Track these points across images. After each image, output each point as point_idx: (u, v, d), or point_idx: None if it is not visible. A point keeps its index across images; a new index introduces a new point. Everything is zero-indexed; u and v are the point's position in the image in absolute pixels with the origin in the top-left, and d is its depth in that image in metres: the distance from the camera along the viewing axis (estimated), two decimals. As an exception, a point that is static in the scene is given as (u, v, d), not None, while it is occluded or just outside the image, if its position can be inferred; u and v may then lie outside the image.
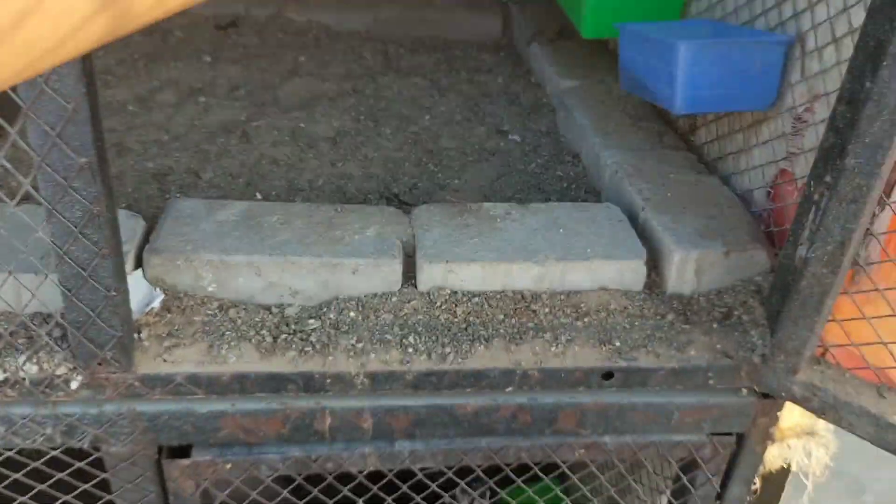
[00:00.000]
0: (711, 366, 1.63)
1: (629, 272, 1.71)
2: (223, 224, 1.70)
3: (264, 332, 1.57)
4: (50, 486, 1.65)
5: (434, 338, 1.59)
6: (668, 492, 1.91)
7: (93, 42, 0.35)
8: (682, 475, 1.81)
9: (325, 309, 1.64)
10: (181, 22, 3.08)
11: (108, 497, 1.65)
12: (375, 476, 1.72)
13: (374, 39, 3.17)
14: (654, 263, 1.76)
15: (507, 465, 1.72)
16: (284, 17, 3.20)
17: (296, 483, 1.75)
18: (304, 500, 1.82)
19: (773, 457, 1.77)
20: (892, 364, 1.45)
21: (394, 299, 1.65)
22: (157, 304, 1.59)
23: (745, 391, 1.70)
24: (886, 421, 1.41)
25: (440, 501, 1.93)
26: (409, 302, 1.65)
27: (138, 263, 1.61)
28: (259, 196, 2.07)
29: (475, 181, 2.23)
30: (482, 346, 1.60)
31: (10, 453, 1.55)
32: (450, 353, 1.58)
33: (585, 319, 1.67)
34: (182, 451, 1.62)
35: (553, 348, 1.61)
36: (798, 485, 1.86)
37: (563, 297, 1.70)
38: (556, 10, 2.65)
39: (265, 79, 2.72)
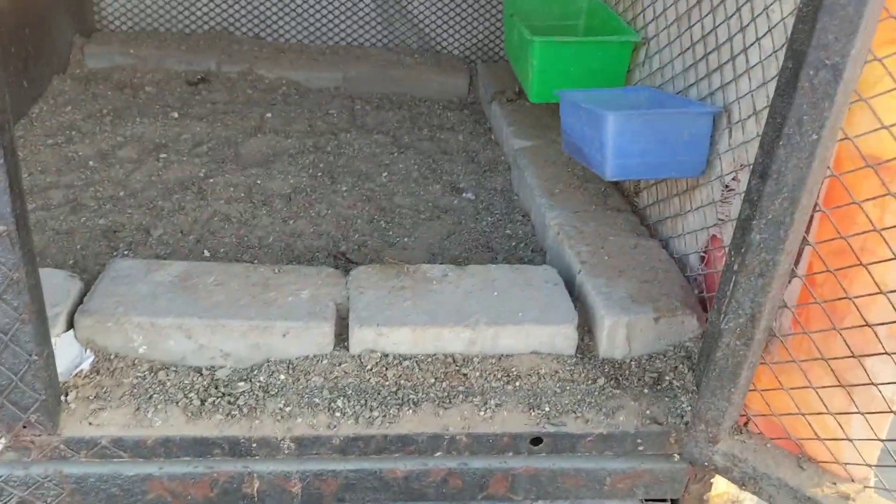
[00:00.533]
0: (640, 432, 1.63)
1: (561, 337, 1.73)
2: (159, 285, 1.72)
3: (192, 394, 1.58)
4: (-26, 549, 1.63)
5: (363, 401, 1.60)
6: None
7: None
8: (617, 541, 1.79)
9: (255, 371, 1.65)
10: (153, 77, 3.14)
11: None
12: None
13: (342, 96, 3.23)
14: (588, 327, 1.78)
15: (438, 530, 1.71)
16: (256, 73, 3.27)
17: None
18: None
19: (708, 523, 1.75)
20: (811, 435, 1.45)
21: (324, 362, 1.66)
22: (86, 365, 1.60)
23: (677, 457, 1.70)
24: (805, 494, 1.41)
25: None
26: (339, 365, 1.66)
27: (70, 325, 1.63)
28: (207, 253, 2.09)
29: (425, 239, 2.26)
30: (410, 411, 1.60)
31: (-69, 516, 1.54)
32: (378, 417, 1.58)
33: (516, 383, 1.68)
34: (108, 514, 1.61)
35: (482, 413, 1.62)
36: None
37: (494, 360, 1.71)
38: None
39: (229, 135, 2.77)
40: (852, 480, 1.45)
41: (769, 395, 1.50)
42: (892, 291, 1.27)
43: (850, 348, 1.35)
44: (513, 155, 2.63)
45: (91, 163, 2.50)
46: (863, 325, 1.32)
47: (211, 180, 2.46)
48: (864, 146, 1.31)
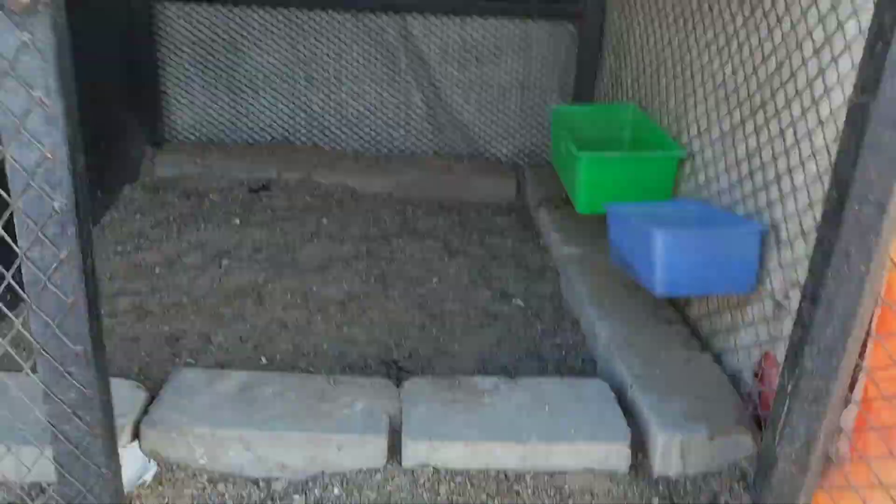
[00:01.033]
0: (696, 556, 1.60)
1: (614, 454, 1.72)
2: (220, 396, 1.78)
3: (249, 507, 1.61)
4: None
5: (415, 518, 1.60)
6: None
7: None
8: None
9: (310, 484, 1.68)
10: (218, 185, 3.32)
11: None
12: None
13: (394, 202, 3.36)
14: (641, 444, 1.77)
15: None
16: (314, 180, 3.42)
17: None
18: None
19: None
20: (876, 565, 1.40)
21: (378, 476, 1.68)
22: (149, 476, 1.65)
23: (737, 583, 1.65)
24: None
25: None
26: (392, 479, 1.68)
27: (135, 435, 1.69)
28: (264, 360, 2.16)
29: (475, 347, 2.29)
30: (463, 529, 1.60)
31: None
32: (430, 535, 1.59)
33: (569, 502, 1.67)
34: None
35: (534, 533, 1.61)
36: None
37: (546, 477, 1.71)
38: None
39: (287, 241, 2.90)
40: None
41: (830, 521, 1.46)
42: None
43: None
44: (561, 261, 2.67)
45: (157, 269, 2.63)
46: (925, 455, 1.29)
47: (269, 286, 2.56)
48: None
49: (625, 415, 1.80)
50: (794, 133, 1.72)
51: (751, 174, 1.94)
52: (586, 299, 2.34)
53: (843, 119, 1.24)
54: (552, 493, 1.67)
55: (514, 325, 2.43)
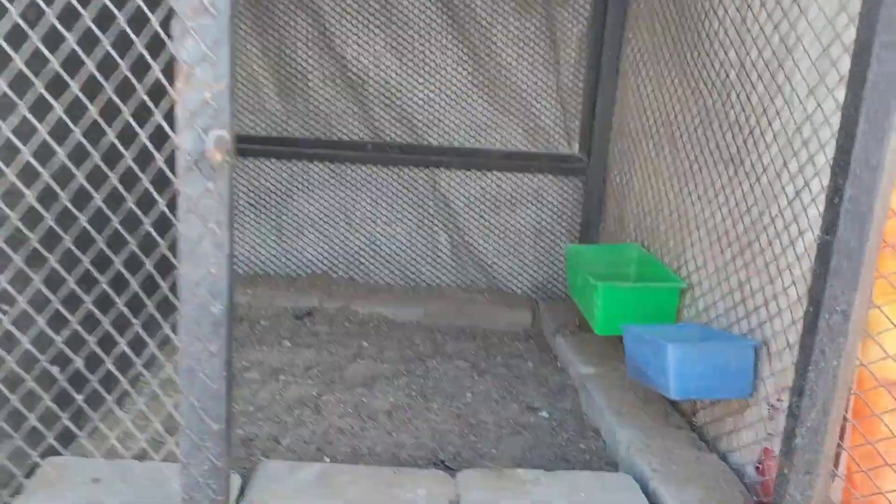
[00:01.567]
0: None
1: (642, 533, 2.01)
2: (302, 482, 2.08)
3: (332, 576, 1.88)
4: None
5: (474, 588, 1.87)
6: None
7: None
8: None
9: (383, 559, 1.95)
10: (267, 313, 3.71)
11: None
12: None
13: (424, 328, 3.74)
14: (664, 527, 2.06)
15: None
16: (351, 309, 3.82)
17: None
18: None
19: None
20: None
21: (441, 551, 1.96)
22: (246, 548, 1.92)
23: None
24: None
25: None
26: (454, 554, 1.96)
27: (235, 514, 1.98)
28: (327, 460, 2.46)
29: (509, 451, 2.60)
30: None
31: None
32: None
33: (605, 576, 1.94)
34: None
35: None
36: None
37: (585, 554, 1.99)
38: (577, 307, 3.21)
39: (334, 361, 3.25)
40: None
41: (829, 585, 1.74)
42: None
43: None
44: (580, 379, 3.03)
45: (222, 383, 2.96)
46: (898, 517, 1.62)
47: (323, 398, 2.88)
48: (877, 371, 1.71)
49: (649, 502, 2.10)
50: (777, 266, 2.16)
51: (743, 300, 2.35)
52: (606, 410, 2.68)
53: (814, 253, 1.68)
54: (591, 569, 1.95)
55: (541, 433, 2.75)
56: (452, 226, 4.16)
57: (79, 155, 1.69)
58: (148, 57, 1.57)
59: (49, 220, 1.72)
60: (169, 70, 1.53)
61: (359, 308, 3.83)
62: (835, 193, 1.61)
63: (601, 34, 3.77)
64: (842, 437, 1.72)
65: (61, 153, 1.67)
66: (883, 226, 1.57)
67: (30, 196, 1.71)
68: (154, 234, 1.71)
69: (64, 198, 1.70)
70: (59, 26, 1.55)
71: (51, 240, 1.78)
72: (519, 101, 4.02)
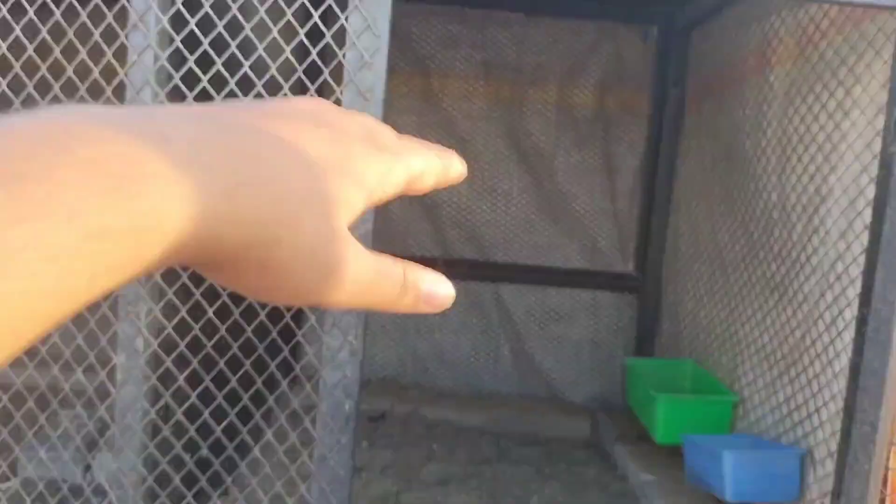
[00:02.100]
0: None
1: None
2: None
3: None
4: None
5: None
6: None
7: None
8: None
9: None
10: (345, 413, 4.05)
11: None
12: None
13: (488, 434, 4.02)
14: None
15: None
16: (420, 414, 4.14)
17: None
18: None
19: None
20: None
21: None
22: None
23: None
24: None
25: None
26: None
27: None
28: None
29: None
30: None
31: None
32: None
33: None
34: None
35: None
36: None
37: None
38: (635, 417, 3.48)
39: (409, 462, 3.55)
40: None
41: None
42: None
43: None
44: (640, 486, 3.26)
45: (311, 476, 3.28)
46: None
47: (403, 495, 3.17)
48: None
49: None
50: (818, 383, 2.44)
51: (790, 413, 2.62)
52: (665, 514, 2.91)
53: (848, 373, 1.98)
54: None
55: (605, 535, 2.98)
56: (514, 337, 4.50)
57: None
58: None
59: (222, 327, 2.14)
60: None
61: (427, 412, 4.14)
62: (861, 323, 1.93)
63: (654, 166, 4.21)
64: (881, 538, 1.96)
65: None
66: (905, 352, 1.87)
67: (210, 311, 2.14)
68: (282, 348, 2.10)
69: (236, 311, 2.12)
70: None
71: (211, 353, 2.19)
72: (578, 223, 4.43)
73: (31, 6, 1.90)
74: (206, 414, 2.09)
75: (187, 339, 2.05)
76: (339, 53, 1.86)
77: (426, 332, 4.54)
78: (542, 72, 4.33)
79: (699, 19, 3.80)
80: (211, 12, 1.90)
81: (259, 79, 1.96)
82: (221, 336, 2.13)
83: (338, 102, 1.91)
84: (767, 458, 2.44)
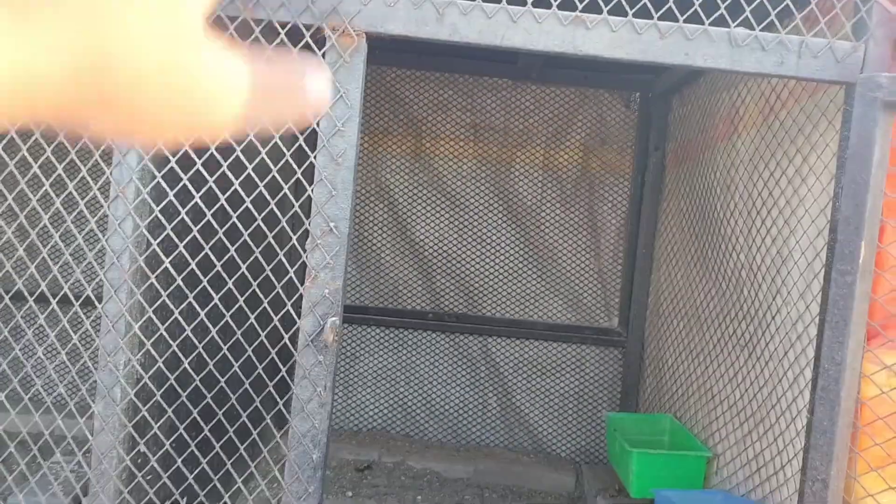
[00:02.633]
0: None
1: None
2: None
3: None
4: None
5: None
6: None
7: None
8: None
9: None
10: (331, 464, 4.09)
11: None
12: None
13: (473, 485, 4.05)
14: None
15: None
16: (406, 464, 4.17)
17: None
18: None
19: None
20: None
21: None
22: None
23: None
24: None
25: None
26: None
27: None
28: None
29: None
30: None
31: None
32: None
33: None
34: None
35: None
36: None
37: None
38: (615, 471, 3.51)
39: (391, 512, 3.58)
40: None
41: None
42: None
43: None
44: (617, 541, 3.29)
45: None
46: None
47: (382, 546, 3.20)
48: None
49: None
50: (783, 440, 2.50)
51: (758, 470, 2.67)
52: (640, 570, 2.93)
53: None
54: None
55: (580, 590, 3.00)
56: (501, 389, 4.56)
57: (226, 331, 2.22)
58: (286, 263, 2.13)
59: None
60: (300, 272, 2.07)
61: (413, 463, 4.18)
62: (814, 382, 2.01)
63: (637, 226, 4.32)
64: None
65: (213, 331, 2.20)
66: (851, 410, 1.95)
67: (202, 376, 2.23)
68: (273, 392, 2.19)
69: (210, 365, 2.22)
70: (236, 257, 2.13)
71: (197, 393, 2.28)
72: (563, 278, 4.53)
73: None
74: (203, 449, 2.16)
75: (165, 385, 2.14)
76: (313, 122, 1.99)
77: (416, 384, 4.60)
78: (529, 134, 4.49)
79: (676, 86, 3.97)
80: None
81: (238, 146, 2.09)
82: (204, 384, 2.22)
83: (311, 167, 2.04)
84: (733, 515, 2.49)
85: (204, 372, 2.21)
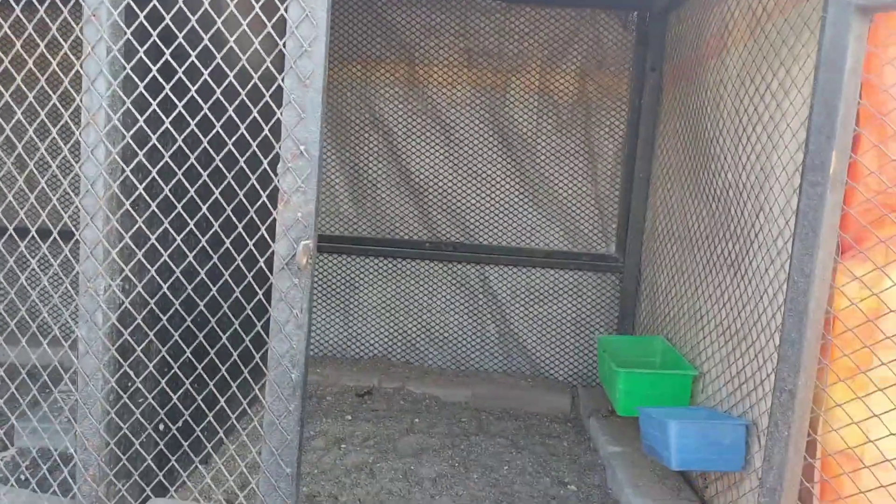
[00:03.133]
0: None
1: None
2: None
3: None
4: None
5: None
6: None
7: None
8: None
9: None
10: (332, 390, 4.19)
11: None
12: None
13: (471, 409, 4.14)
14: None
15: None
16: (406, 389, 4.27)
17: None
18: None
19: None
20: None
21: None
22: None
23: None
24: None
25: None
26: None
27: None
28: (379, 516, 2.87)
29: (539, 518, 2.95)
30: None
31: None
32: None
33: None
34: None
35: None
36: None
37: None
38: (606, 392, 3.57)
39: (388, 434, 3.68)
40: None
41: None
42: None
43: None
44: (607, 457, 3.37)
45: (292, 448, 3.42)
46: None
47: (378, 465, 3.31)
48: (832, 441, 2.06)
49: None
50: (763, 356, 2.52)
51: (740, 386, 2.71)
52: (625, 484, 3.01)
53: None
54: None
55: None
56: (500, 316, 4.61)
57: (203, 256, 2.25)
58: (257, 186, 2.14)
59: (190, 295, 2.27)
60: (272, 196, 2.09)
61: (413, 388, 4.28)
62: (786, 296, 2.02)
63: (634, 150, 4.28)
64: (810, 500, 2.05)
65: (189, 255, 2.24)
66: (820, 322, 1.95)
67: (165, 287, 2.27)
68: (253, 316, 2.24)
69: (188, 287, 2.26)
70: (207, 181, 2.14)
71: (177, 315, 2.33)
72: (560, 207, 4.52)
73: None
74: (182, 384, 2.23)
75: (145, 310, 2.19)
76: (280, 42, 1.97)
77: (415, 313, 4.66)
78: (524, 59, 4.41)
79: (676, 2, 3.85)
80: (158, 6, 2.02)
81: (205, 67, 2.08)
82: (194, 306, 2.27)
83: (280, 89, 2.03)
84: (711, 429, 2.53)
85: (183, 296, 2.26)
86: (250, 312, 2.24)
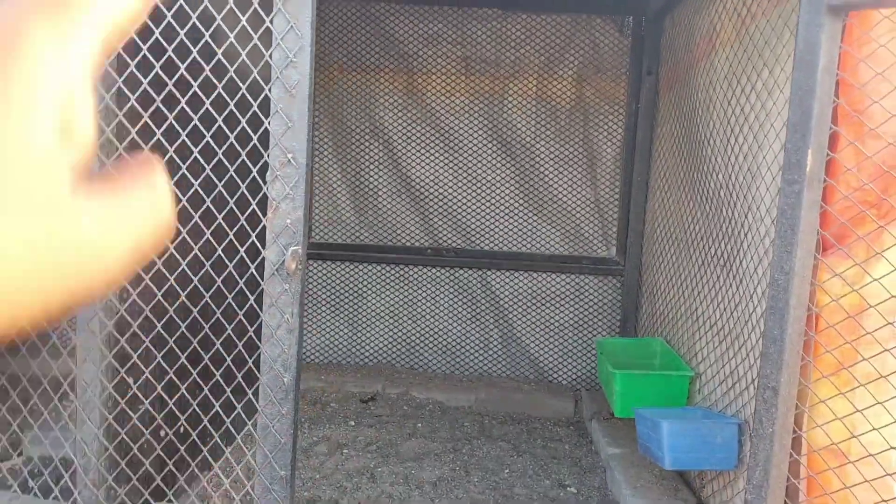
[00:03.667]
0: None
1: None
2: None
3: None
4: None
5: None
6: None
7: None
8: None
9: None
10: (336, 396, 4.24)
11: None
12: None
13: (474, 413, 4.17)
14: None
15: None
16: (410, 395, 4.30)
17: None
18: None
19: None
20: None
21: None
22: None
23: None
24: None
25: None
26: None
27: (297, 550, 2.44)
28: (378, 519, 2.90)
29: (537, 520, 2.97)
30: None
31: None
32: None
33: None
34: None
35: None
36: None
37: None
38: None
39: (391, 439, 3.71)
40: None
41: None
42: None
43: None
44: (607, 459, 3.38)
45: (298, 455, 3.46)
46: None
47: (379, 469, 3.34)
48: (819, 437, 2.06)
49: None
50: (754, 355, 2.54)
51: (733, 386, 2.72)
52: (624, 485, 3.03)
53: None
54: None
55: (568, 506, 3.11)
56: (502, 321, 4.64)
57: (196, 264, 2.31)
58: (247, 194, 2.19)
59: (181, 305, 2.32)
60: (262, 204, 2.14)
61: (416, 394, 4.31)
62: (769, 295, 2.04)
63: (632, 153, 4.30)
64: (797, 496, 2.06)
65: (184, 264, 2.29)
66: (802, 319, 1.97)
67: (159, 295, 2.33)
68: (245, 322, 2.28)
69: (181, 294, 2.31)
70: (194, 184, 2.20)
71: (171, 324, 2.38)
72: (561, 211, 4.55)
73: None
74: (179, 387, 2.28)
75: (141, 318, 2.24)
76: (266, 54, 2.03)
77: (419, 319, 4.70)
78: (521, 66, 4.45)
79: (668, 6, 3.88)
80: (148, 20, 2.08)
81: (195, 80, 2.13)
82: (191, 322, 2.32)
83: (266, 99, 2.08)
84: (704, 428, 2.54)
85: (177, 303, 2.31)
86: (243, 318, 2.29)
